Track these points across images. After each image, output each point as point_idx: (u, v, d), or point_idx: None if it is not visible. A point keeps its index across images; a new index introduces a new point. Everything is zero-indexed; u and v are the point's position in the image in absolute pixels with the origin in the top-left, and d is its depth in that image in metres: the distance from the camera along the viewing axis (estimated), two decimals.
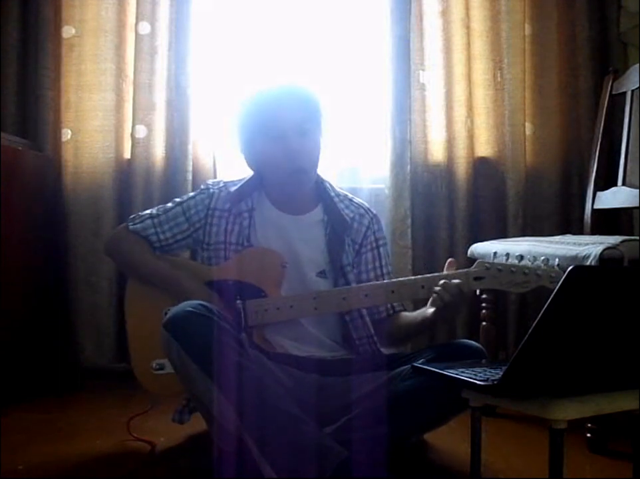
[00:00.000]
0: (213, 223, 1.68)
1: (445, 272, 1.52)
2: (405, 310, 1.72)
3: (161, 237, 1.70)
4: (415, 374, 1.46)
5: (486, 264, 1.49)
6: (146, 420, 1.77)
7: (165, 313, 1.63)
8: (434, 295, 1.48)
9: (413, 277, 1.59)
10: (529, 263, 1.45)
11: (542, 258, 1.44)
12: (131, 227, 1.71)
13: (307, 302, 1.57)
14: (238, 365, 1.32)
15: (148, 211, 1.74)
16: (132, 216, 1.76)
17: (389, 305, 1.69)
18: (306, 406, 1.41)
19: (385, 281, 1.64)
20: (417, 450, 1.70)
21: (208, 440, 1.47)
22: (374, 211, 1.77)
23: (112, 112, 2.57)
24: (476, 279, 1.49)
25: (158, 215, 1.71)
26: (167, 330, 1.40)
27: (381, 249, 1.73)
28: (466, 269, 1.52)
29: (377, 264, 1.72)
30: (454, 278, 1.48)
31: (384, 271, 1.72)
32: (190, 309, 1.39)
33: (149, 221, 1.70)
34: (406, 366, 1.49)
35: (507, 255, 1.48)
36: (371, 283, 1.66)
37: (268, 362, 1.47)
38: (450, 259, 1.55)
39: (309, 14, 2.66)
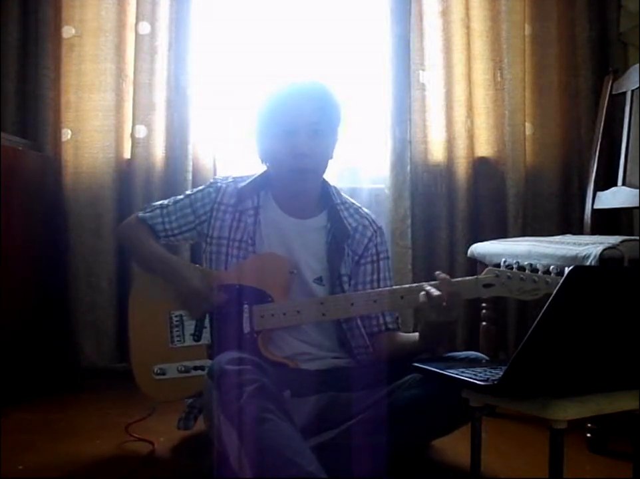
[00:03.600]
0: (218, 217, 1.69)
1: (454, 279, 1.50)
2: (399, 330, 1.70)
3: (167, 226, 1.73)
4: (420, 382, 1.46)
5: (496, 271, 1.48)
6: (146, 420, 1.77)
7: (170, 317, 1.65)
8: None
9: (420, 284, 1.55)
10: (539, 271, 1.44)
11: (552, 267, 1.42)
12: (141, 214, 1.76)
13: (314, 308, 1.57)
14: (263, 423, 1.23)
15: (159, 202, 1.79)
16: (145, 205, 1.83)
17: (381, 320, 1.66)
18: (308, 424, 1.41)
19: (394, 287, 1.63)
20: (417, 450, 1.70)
21: (208, 441, 1.46)
22: (380, 224, 1.75)
23: (112, 112, 2.57)
24: (485, 286, 1.49)
25: (167, 206, 1.75)
26: (211, 378, 1.38)
27: (381, 263, 1.71)
28: (475, 276, 1.51)
29: (375, 277, 1.69)
30: (462, 285, 1.47)
31: (382, 284, 1.69)
32: (231, 366, 1.34)
33: (158, 211, 1.74)
34: (411, 375, 1.49)
35: (517, 263, 1.47)
36: (380, 289, 1.64)
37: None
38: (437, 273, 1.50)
39: (309, 14, 2.66)
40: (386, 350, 1.64)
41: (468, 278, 1.51)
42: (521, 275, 1.45)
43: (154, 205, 1.77)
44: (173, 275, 1.65)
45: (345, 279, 1.66)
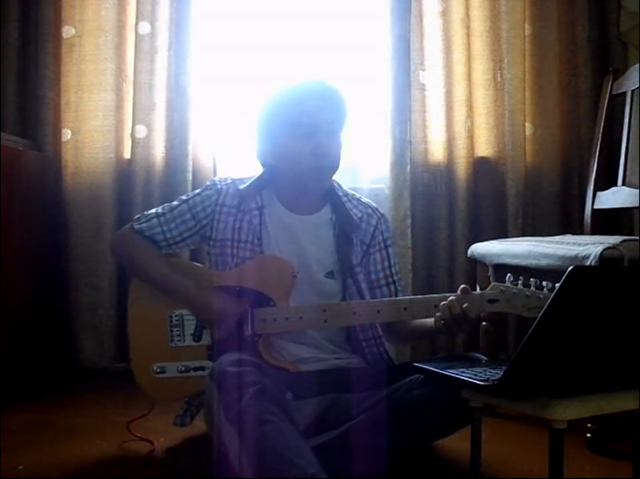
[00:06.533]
0: (220, 220, 1.67)
1: (459, 293, 1.50)
2: None
3: (168, 235, 1.69)
4: (421, 384, 1.46)
5: (501, 287, 1.48)
6: (146, 420, 1.77)
7: (170, 316, 1.65)
8: (437, 313, 1.48)
9: (427, 296, 1.56)
10: (544, 288, 1.43)
11: (558, 284, 1.41)
12: (136, 226, 1.70)
13: (317, 314, 1.56)
14: (264, 425, 1.23)
15: (153, 210, 1.73)
16: (137, 216, 1.75)
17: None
18: (309, 425, 1.42)
19: (398, 298, 1.63)
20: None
21: (208, 441, 1.46)
22: (382, 211, 1.76)
23: (112, 112, 2.57)
24: (490, 301, 1.48)
25: (163, 214, 1.70)
26: (212, 379, 1.37)
27: (389, 249, 1.73)
28: (480, 291, 1.51)
29: (386, 264, 1.71)
30: (468, 300, 1.47)
31: (393, 270, 1.72)
32: (232, 368, 1.33)
33: (155, 220, 1.69)
34: (412, 377, 1.49)
35: (521, 278, 1.46)
36: (383, 299, 1.65)
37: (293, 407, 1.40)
38: (463, 286, 1.50)
39: (309, 14, 2.66)
40: (398, 331, 1.66)
41: (473, 293, 1.50)
42: (527, 292, 1.45)
43: (149, 215, 1.71)
44: (181, 300, 1.63)
45: (357, 269, 1.66)
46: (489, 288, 1.50)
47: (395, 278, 1.72)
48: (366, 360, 1.64)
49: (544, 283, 1.43)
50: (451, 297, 1.47)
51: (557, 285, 1.37)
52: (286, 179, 1.67)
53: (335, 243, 1.66)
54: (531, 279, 1.45)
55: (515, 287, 1.47)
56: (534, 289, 1.44)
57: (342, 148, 1.65)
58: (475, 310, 1.46)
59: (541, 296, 1.43)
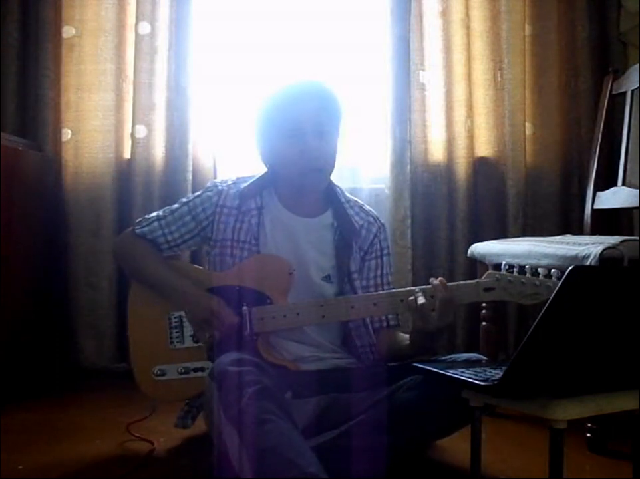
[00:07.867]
0: (221, 220, 1.67)
1: (455, 283, 1.50)
2: (399, 326, 1.70)
3: (169, 237, 1.69)
4: (421, 384, 1.46)
5: (497, 275, 1.48)
6: (146, 420, 1.77)
7: (170, 318, 1.65)
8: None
9: (421, 287, 1.55)
10: (540, 275, 1.43)
11: (553, 270, 1.40)
12: (138, 230, 1.70)
13: (314, 310, 1.56)
14: (264, 424, 1.23)
15: (154, 214, 1.74)
16: (138, 219, 1.75)
17: (383, 317, 1.67)
18: (309, 425, 1.42)
19: (393, 290, 1.62)
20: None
21: (208, 441, 1.46)
22: (382, 221, 1.77)
23: (112, 112, 2.57)
24: (486, 289, 1.48)
25: (164, 217, 1.70)
26: (212, 379, 1.38)
27: (384, 259, 1.73)
28: (476, 280, 1.51)
29: (378, 273, 1.71)
30: (462, 289, 1.47)
31: (385, 280, 1.71)
32: (233, 368, 1.33)
33: (156, 223, 1.70)
34: (412, 377, 1.49)
35: (518, 265, 1.46)
36: (379, 292, 1.65)
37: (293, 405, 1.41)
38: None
39: (309, 14, 2.66)
40: (383, 347, 1.65)
41: (468, 282, 1.50)
42: (522, 279, 1.44)
43: (150, 218, 1.72)
44: (182, 303, 1.62)
45: (355, 275, 1.66)
46: (484, 276, 1.50)
47: (385, 288, 1.71)
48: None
49: (539, 270, 1.42)
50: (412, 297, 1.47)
51: (553, 271, 1.39)
52: (284, 180, 1.67)
53: (334, 248, 1.66)
54: (527, 266, 1.45)
55: (510, 274, 1.46)
56: (530, 276, 1.44)
57: (336, 148, 1.65)
58: (467, 298, 1.47)
59: (537, 282, 1.42)
